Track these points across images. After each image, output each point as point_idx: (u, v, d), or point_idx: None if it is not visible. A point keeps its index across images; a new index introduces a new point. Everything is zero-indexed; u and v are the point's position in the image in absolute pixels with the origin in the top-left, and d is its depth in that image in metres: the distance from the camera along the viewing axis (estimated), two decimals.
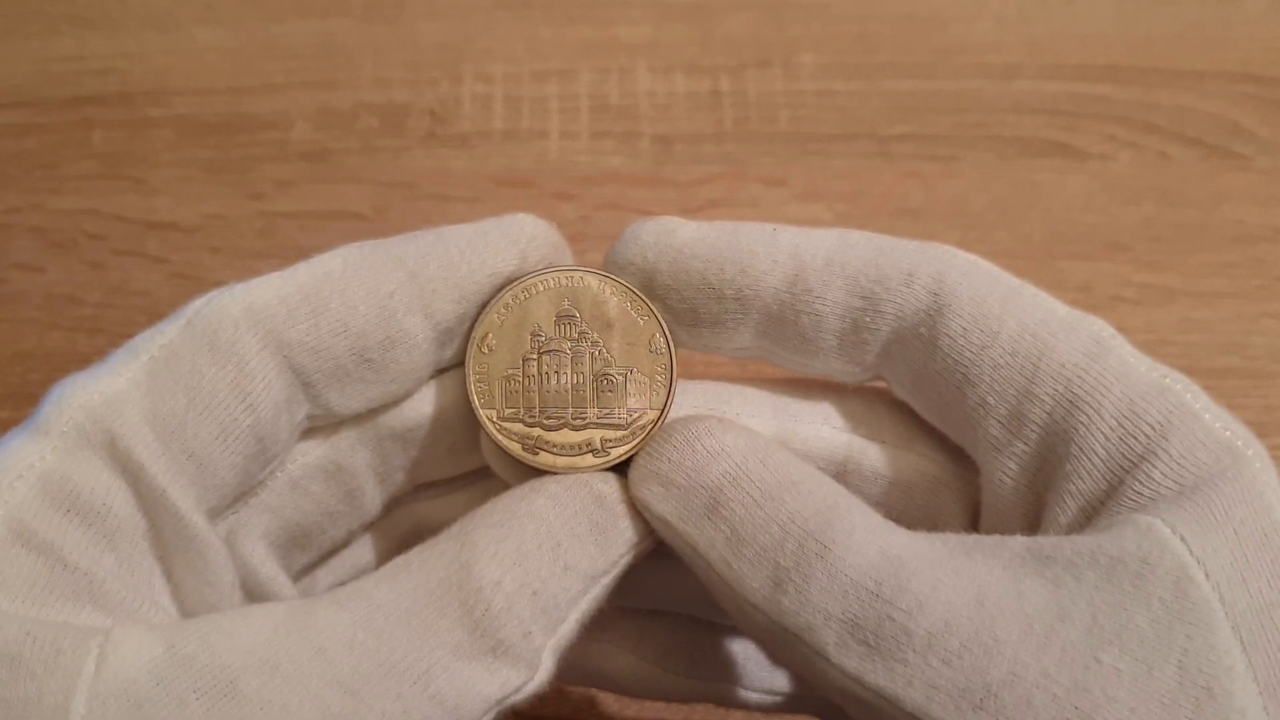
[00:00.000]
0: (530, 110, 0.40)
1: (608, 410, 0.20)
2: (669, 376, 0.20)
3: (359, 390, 0.19)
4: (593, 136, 0.40)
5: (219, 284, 0.39)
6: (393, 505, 0.22)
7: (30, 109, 0.40)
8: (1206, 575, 0.16)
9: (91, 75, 0.41)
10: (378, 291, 0.19)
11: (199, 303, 0.19)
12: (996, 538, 0.18)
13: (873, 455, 0.21)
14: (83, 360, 0.35)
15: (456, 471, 0.22)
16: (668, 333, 0.20)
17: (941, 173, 0.39)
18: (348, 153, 0.39)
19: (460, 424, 0.21)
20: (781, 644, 0.17)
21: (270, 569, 0.20)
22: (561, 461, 0.20)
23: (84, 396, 0.17)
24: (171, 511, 0.18)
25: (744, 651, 0.24)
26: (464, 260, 0.19)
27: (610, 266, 0.20)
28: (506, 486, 0.20)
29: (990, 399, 0.19)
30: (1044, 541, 0.17)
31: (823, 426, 0.21)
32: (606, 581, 0.19)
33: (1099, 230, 0.37)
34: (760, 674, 0.24)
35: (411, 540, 0.23)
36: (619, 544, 0.19)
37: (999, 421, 0.19)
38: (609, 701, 0.30)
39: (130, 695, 0.15)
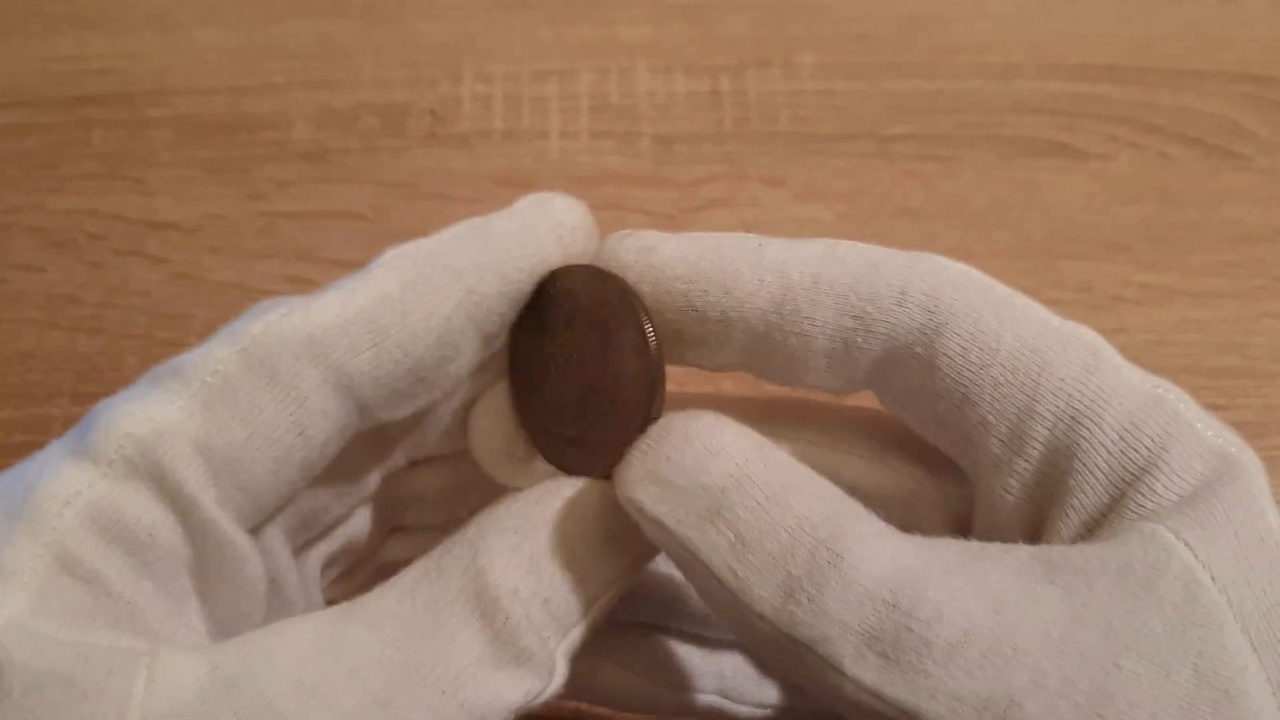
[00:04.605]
0: (530, 110, 0.40)
1: (606, 414, 0.20)
2: (655, 378, 0.19)
3: (408, 405, 0.19)
4: (593, 136, 0.40)
5: (219, 284, 0.38)
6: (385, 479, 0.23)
7: (30, 109, 0.40)
8: (1213, 579, 0.16)
9: (91, 75, 0.41)
10: (437, 314, 0.18)
11: (256, 327, 0.18)
12: (1001, 545, 0.17)
13: (848, 469, 0.21)
14: (83, 360, 0.35)
15: (448, 449, 0.22)
16: (651, 332, 0.19)
17: (941, 173, 0.39)
18: (348, 153, 0.39)
19: (461, 412, 0.21)
20: (788, 655, 0.17)
21: (284, 557, 0.20)
22: (565, 464, 0.20)
23: (132, 425, 0.17)
24: (219, 539, 0.18)
25: (733, 665, 0.24)
26: (516, 270, 0.19)
27: None
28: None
29: (991, 417, 0.18)
30: (1050, 550, 0.17)
31: (799, 441, 0.21)
32: (618, 588, 0.19)
33: (1099, 230, 0.37)
34: (749, 687, 0.24)
35: (389, 509, 0.23)
36: (631, 551, 0.19)
37: (1000, 440, 0.19)
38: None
39: (178, 716, 0.15)
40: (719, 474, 0.17)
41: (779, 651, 0.17)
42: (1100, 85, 0.41)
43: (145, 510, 0.17)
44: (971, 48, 0.42)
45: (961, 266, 0.19)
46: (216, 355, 0.18)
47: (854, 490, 0.20)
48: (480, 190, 0.38)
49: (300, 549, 0.22)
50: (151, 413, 0.17)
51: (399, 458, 0.22)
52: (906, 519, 0.21)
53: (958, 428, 0.19)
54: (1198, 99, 0.40)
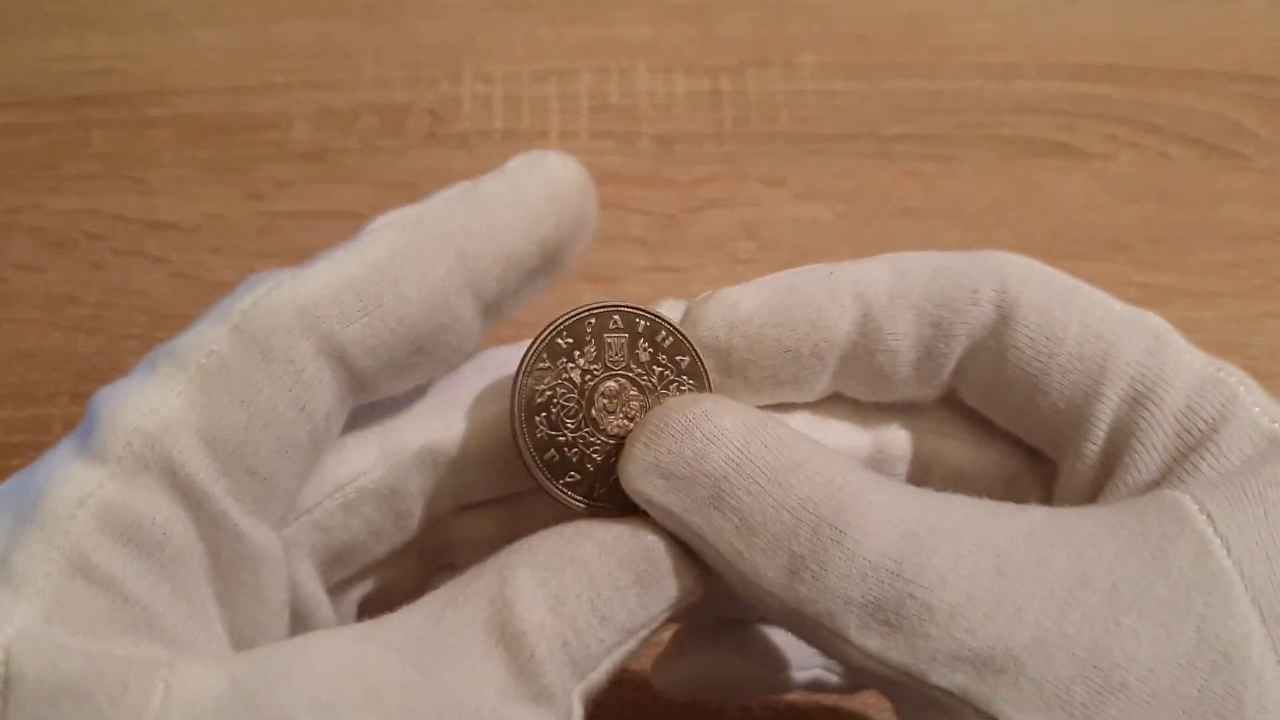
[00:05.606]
0: (530, 110, 0.40)
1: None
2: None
3: (408, 377, 0.19)
4: (593, 136, 0.40)
5: (219, 284, 0.38)
6: (431, 524, 0.22)
7: (30, 109, 0.40)
8: (1228, 551, 0.16)
9: (91, 75, 0.41)
10: (428, 279, 0.18)
11: (245, 302, 0.18)
12: (1017, 506, 0.18)
13: (956, 453, 0.21)
14: (82, 360, 0.35)
15: (499, 494, 0.22)
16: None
17: (941, 173, 0.39)
18: (348, 153, 0.39)
19: (509, 450, 0.21)
20: (801, 628, 0.17)
21: (313, 587, 0.20)
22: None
23: (137, 418, 0.17)
24: (234, 533, 0.17)
25: None
26: (509, 232, 0.19)
27: None
28: (536, 510, 0.20)
29: (1061, 404, 0.19)
30: (1067, 512, 0.17)
31: (912, 429, 0.21)
32: (644, 635, 0.18)
33: (1099, 230, 0.37)
34: None
35: (438, 553, 0.22)
36: (660, 600, 0.18)
37: (1070, 424, 0.19)
38: (614, 706, 0.30)
39: None
40: (719, 460, 0.18)
41: (792, 625, 0.18)
42: (1100, 85, 0.41)
43: (158, 508, 0.17)
44: (971, 48, 0.42)
45: (1024, 260, 0.20)
46: (208, 336, 0.17)
47: (960, 473, 0.21)
48: None
49: (336, 589, 0.21)
50: (155, 403, 0.17)
51: (445, 501, 0.21)
52: (1009, 497, 0.21)
53: (1032, 415, 0.20)
54: (1198, 99, 0.40)
